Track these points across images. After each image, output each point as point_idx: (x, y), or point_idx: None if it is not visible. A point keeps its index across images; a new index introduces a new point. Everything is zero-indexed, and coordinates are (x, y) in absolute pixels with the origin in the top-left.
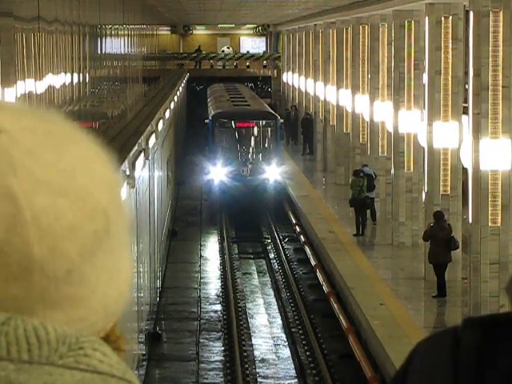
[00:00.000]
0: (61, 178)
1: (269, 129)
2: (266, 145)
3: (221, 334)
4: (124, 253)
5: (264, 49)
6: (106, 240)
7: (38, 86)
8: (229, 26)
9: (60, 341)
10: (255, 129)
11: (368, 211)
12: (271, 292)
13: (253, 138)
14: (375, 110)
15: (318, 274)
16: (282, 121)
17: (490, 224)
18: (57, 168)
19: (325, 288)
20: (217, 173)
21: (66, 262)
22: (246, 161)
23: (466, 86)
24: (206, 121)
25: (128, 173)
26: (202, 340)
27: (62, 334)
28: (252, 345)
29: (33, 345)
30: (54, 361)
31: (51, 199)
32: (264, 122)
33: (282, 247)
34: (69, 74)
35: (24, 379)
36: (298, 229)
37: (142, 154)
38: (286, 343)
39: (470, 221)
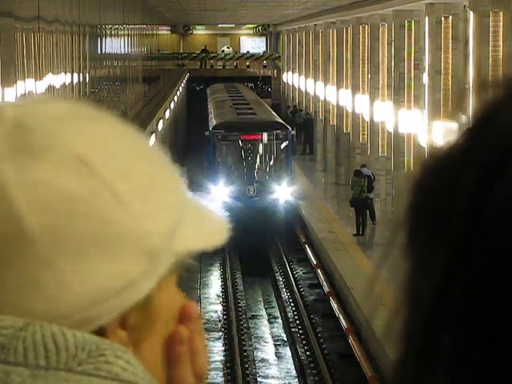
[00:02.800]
0: None
1: (279, 142)
2: (276, 160)
3: (221, 333)
4: (82, 269)
5: (264, 49)
6: (25, 247)
7: (38, 86)
8: (229, 26)
9: (79, 347)
10: (263, 142)
11: (367, 212)
12: (271, 292)
13: (260, 152)
14: (375, 109)
15: (318, 273)
16: (293, 132)
17: None
18: None
19: (325, 288)
20: (218, 193)
21: None
22: (252, 179)
23: (466, 86)
24: (207, 133)
25: None
26: None
27: (81, 341)
28: (252, 345)
29: (50, 351)
30: (72, 367)
31: None
32: (273, 134)
33: (282, 247)
34: (69, 74)
35: None
36: (298, 229)
37: None
38: (286, 343)
39: None
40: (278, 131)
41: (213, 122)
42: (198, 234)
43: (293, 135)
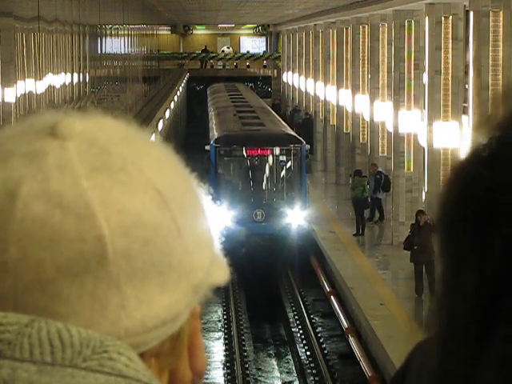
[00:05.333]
0: (70, 192)
1: (291, 158)
2: (287, 179)
3: (221, 333)
4: (143, 296)
5: (264, 49)
6: (99, 267)
7: (38, 86)
8: (229, 26)
9: (84, 344)
10: (272, 158)
11: (368, 210)
12: (271, 292)
13: (269, 170)
14: (375, 109)
15: (318, 273)
16: (308, 147)
17: None
18: (75, 184)
19: (325, 288)
20: (221, 217)
21: (39, 270)
22: (259, 201)
23: (466, 86)
24: (207, 147)
25: None
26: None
27: (85, 337)
28: (252, 345)
29: (56, 347)
30: (78, 363)
31: (47, 206)
32: (284, 149)
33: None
34: (69, 74)
35: (46, 381)
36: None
37: None
38: (286, 343)
39: None
40: (290, 146)
41: (214, 133)
42: (221, 269)
43: (307, 150)
